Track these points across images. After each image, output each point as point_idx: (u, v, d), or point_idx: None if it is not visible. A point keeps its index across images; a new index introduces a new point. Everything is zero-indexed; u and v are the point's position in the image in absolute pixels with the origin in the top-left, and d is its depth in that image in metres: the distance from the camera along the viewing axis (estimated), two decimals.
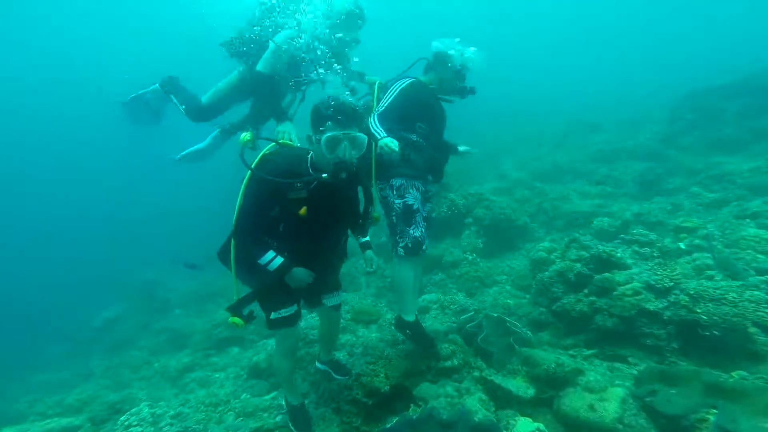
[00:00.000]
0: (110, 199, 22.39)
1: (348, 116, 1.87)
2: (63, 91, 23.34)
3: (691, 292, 2.84)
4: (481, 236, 5.44)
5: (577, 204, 6.30)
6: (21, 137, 23.76)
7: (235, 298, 2.09)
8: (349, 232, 2.45)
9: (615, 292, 3.08)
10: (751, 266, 3.43)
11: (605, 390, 2.55)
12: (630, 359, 2.88)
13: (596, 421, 2.31)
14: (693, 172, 6.32)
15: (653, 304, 2.92)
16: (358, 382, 2.74)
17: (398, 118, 2.74)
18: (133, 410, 3.31)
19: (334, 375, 2.96)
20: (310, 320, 4.29)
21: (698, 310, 2.71)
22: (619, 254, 3.47)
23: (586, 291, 3.27)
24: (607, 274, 3.23)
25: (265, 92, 3.13)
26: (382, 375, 2.73)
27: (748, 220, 4.39)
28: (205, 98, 3.54)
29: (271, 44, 3.03)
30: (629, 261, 3.49)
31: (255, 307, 2.17)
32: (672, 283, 3.02)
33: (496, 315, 3.34)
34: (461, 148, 3.19)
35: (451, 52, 2.87)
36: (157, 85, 3.66)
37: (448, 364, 2.84)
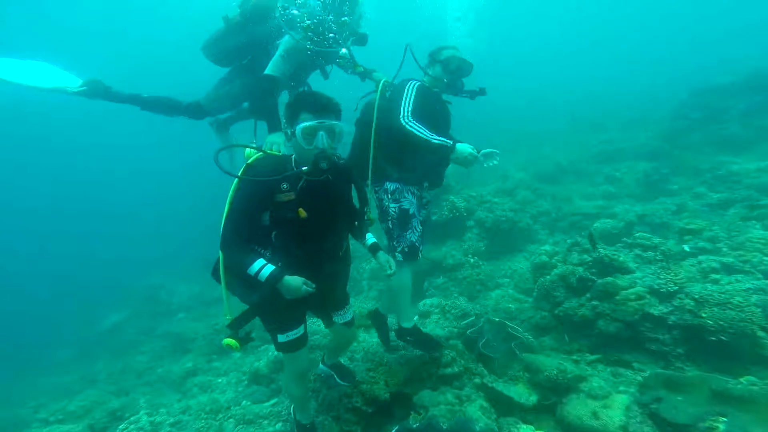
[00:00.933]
0: (120, 200, 22.65)
1: (324, 106, 1.82)
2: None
3: (696, 296, 2.79)
4: (483, 239, 5.39)
5: (580, 205, 6.24)
6: (21, 139, 24.03)
7: (227, 315, 1.96)
8: (350, 236, 2.33)
9: (618, 297, 3.02)
10: (757, 269, 3.37)
11: (609, 397, 2.51)
12: (634, 365, 2.83)
13: (600, 429, 2.27)
14: (698, 171, 6.23)
15: (657, 309, 2.87)
16: (357, 390, 2.70)
17: (419, 119, 2.58)
18: (132, 418, 3.31)
19: (337, 380, 2.84)
20: (311, 325, 4.26)
21: (703, 315, 2.67)
22: (622, 258, 3.40)
23: (588, 295, 3.22)
24: (609, 278, 3.17)
25: (265, 95, 3.02)
26: (382, 382, 2.70)
27: (754, 222, 4.32)
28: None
29: (281, 46, 2.93)
30: (632, 265, 3.42)
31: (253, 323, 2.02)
32: (676, 287, 2.97)
33: (497, 320, 3.31)
34: (485, 151, 2.61)
35: (445, 52, 2.77)
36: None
37: (449, 370, 2.80)
